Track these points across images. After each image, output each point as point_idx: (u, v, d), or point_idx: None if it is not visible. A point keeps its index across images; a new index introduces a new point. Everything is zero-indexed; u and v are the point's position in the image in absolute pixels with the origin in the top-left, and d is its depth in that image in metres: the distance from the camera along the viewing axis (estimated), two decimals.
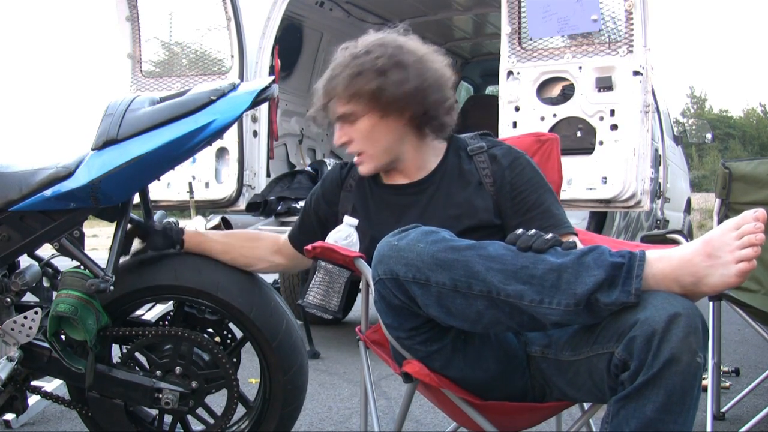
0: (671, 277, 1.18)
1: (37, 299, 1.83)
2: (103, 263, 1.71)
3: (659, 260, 1.19)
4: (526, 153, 1.69)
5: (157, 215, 1.91)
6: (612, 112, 3.13)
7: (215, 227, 3.50)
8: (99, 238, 12.74)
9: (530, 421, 1.47)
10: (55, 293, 1.72)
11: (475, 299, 1.22)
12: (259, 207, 3.91)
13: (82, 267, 1.71)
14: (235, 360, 1.84)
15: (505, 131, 3.31)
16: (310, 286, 1.50)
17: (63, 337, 1.73)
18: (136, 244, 1.84)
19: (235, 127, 3.42)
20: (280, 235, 1.86)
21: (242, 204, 3.95)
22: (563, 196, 2.89)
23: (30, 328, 1.69)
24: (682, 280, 1.18)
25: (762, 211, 1.18)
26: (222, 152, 3.93)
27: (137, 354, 1.81)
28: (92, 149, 1.62)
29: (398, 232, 1.30)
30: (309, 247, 1.52)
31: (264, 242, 1.83)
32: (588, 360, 1.25)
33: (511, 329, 1.34)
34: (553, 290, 1.19)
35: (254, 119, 4.01)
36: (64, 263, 1.80)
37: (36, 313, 1.69)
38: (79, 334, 1.66)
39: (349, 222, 1.59)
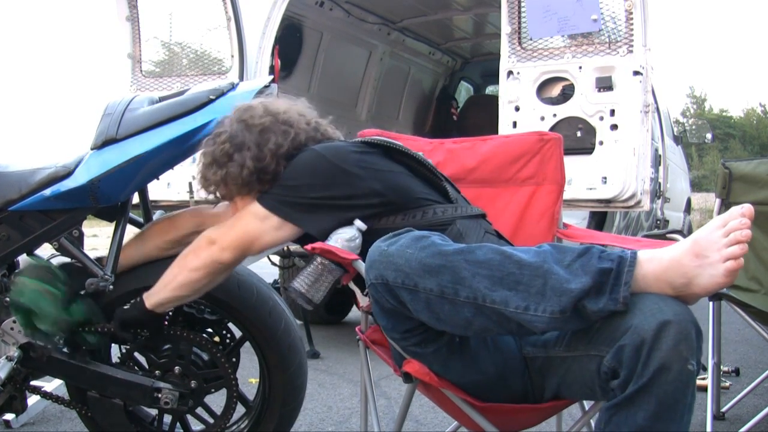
0: (663, 278, 1.16)
1: None
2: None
3: (650, 261, 1.17)
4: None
5: (157, 215, 1.91)
6: (612, 112, 3.12)
7: None
8: (99, 238, 12.73)
9: (530, 421, 1.47)
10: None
11: (462, 306, 1.20)
12: None
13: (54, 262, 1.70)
14: (234, 360, 1.84)
15: (505, 131, 3.29)
16: (300, 272, 1.50)
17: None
18: None
19: None
20: (199, 209, 1.82)
21: None
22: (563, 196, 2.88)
23: None
24: (673, 282, 1.16)
25: (749, 206, 1.15)
26: None
27: (136, 354, 1.81)
28: (91, 149, 1.62)
29: (389, 237, 1.29)
30: (309, 247, 1.52)
31: (181, 227, 1.78)
32: (580, 359, 1.24)
33: (503, 335, 1.33)
34: (538, 297, 1.16)
35: None
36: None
37: None
38: (44, 324, 1.64)
39: (359, 225, 1.58)
